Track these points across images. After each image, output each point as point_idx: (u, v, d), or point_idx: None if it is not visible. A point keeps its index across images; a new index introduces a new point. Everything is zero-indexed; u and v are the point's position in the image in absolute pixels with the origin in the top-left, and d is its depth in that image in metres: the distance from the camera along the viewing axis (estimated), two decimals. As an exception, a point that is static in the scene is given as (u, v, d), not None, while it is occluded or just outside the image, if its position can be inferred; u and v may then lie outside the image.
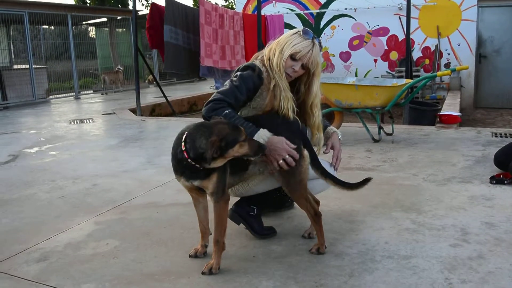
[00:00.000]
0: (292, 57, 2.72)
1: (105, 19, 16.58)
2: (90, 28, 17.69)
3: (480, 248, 2.80)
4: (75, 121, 8.74)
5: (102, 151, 5.91)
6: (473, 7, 12.37)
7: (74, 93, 13.71)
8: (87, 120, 8.77)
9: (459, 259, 2.65)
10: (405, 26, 8.64)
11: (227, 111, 2.59)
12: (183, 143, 2.44)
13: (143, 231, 3.22)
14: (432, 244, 2.84)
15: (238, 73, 2.77)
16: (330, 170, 2.85)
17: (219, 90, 2.72)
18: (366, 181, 2.76)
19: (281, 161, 2.56)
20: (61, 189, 4.25)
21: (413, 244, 2.84)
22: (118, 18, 16.81)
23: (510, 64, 12.51)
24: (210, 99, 2.67)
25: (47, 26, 15.30)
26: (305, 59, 2.73)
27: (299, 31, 2.77)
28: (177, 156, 2.50)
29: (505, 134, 6.04)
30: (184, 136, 2.46)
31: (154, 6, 8.65)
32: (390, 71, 13.08)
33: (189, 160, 2.43)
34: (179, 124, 7.78)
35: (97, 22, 17.07)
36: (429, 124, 7.37)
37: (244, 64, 2.84)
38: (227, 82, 2.74)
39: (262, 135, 2.58)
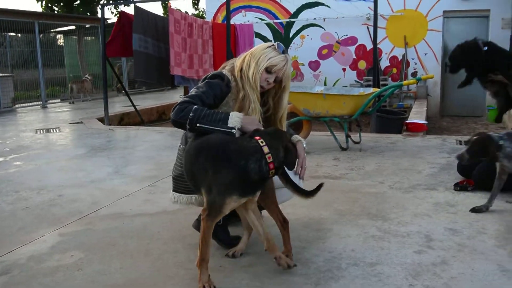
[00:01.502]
0: (268, 70, 2.75)
1: (73, 27, 16.39)
2: (58, 36, 17.45)
3: (443, 254, 2.85)
4: (42, 130, 8.58)
5: (69, 161, 5.82)
6: (439, 17, 12.65)
7: (41, 102, 13.47)
8: (54, 130, 8.63)
9: (423, 265, 2.69)
10: (373, 36, 8.76)
11: (195, 106, 2.58)
12: (269, 155, 2.40)
13: (109, 242, 3.18)
14: (397, 251, 2.88)
15: (206, 80, 2.77)
16: (295, 178, 2.86)
17: (186, 95, 2.71)
18: (320, 186, 2.72)
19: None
20: (26, 200, 4.17)
21: (378, 251, 2.87)
22: (87, 26, 16.62)
23: (475, 73, 12.79)
24: (176, 104, 2.66)
25: (14, 34, 15.03)
26: (280, 73, 2.77)
27: (273, 44, 2.81)
28: (258, 170, 2.39)
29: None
30: (263, 147, 2.41)
31: (123, 15, 8.59)
32: (358, 80, 13.25)
33: (271, 171, 2.41)
34: (148, 133, 7.74)
35: (65, 30, 16.86)
36: (396, 132, 7.48)
37: (212, 72, 2.84)
38: (193, 89, 2.73)
39: (235, 116, 2.60)
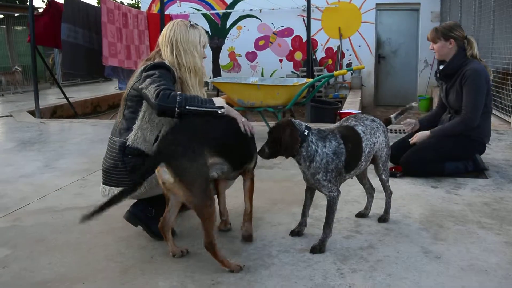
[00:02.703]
0: (204, 47, 2.96)
1: (1, 16, 15.70)
2: (-15, 25, 16.68)
3: (371, 238, 2.95)
4: (-32, 124, 8.22)
5: (-4, 156, 5.61)
6: (372, 10, 13.00)
7: (-33, 95, 12.90)
8: (-19, 124, 8.28)
9: (351, 250, 2.78)
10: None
11: (177, 92, 2.64)
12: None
13: (37, 238, 3.09)
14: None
15: (154, 71, 2.74)
16: None
17: (155, 84, 2.64)
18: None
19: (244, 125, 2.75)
20: None
21: (309, 238, 2.94)
22: (16, 15, 15.97)
23: (406, 64, 13.26)
24: (155, 91, 2.59)
25: None
26: (206, 44, 2.98)
27: (187, 23, 2.91)
28: None
29: (399, 130, 6.37)
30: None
31: (53, 4, 8.32)
32: (295, 71, 13.42)
33: None
34: (81, 126, 7.55)
35: (-8, 19, 16.13)
36: (330, 122, 7.63)
37: (155, 62, 2.81)
38: (148, 81, 2.68)
39: (218, 99, 2.72)
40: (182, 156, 2.40)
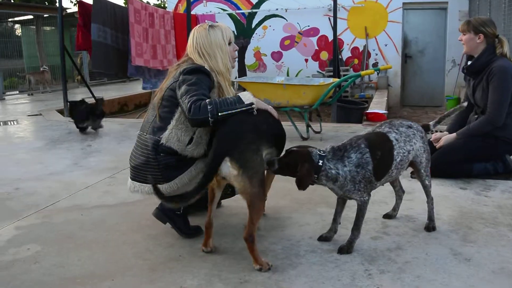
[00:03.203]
0: (229, 43, 2.97)
1: (31, 17, 15.98)
2: (16, 26, 17.00)
3: (399, 239, 2.92)
4: (-1, 123, 8.40)
5: (27, 154, 5.70)
6: (398, 9, 12.87)
7: (-2, 94, 13.15)
8: (12, 122, 8.43)
9: (378, 251, 2.76)
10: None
11: (207, 100, 2.61)
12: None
13: (67, 234, 3.14)
14: (354, 238, 2.93)
15: (192, 76, 2.76)
16: None
17: (188, 95, 2.66)
18: None
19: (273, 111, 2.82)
20: (-19, 194, 4.08)
21: (336, 238, 2.92)
22: (45, 16, 16.24)
23: (433, 64, 13.09)
24: (188, 104, 2.61)
25: (-32, 23, 14.62)
26: (232, 37, 3.01)
27: (206, 26, 2.94)
28: None
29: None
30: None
31: (81, 4, 8.43)
32: (320, 71, 13.37)
33: None
34: (108, 125, 7.63)
35: (23, 20, 16.42)
36: (357, 122, 7.59)
37: (193, 66, 2.82)
38: (184, 88, 2.70)
39: (245, 94, 2.72)
40: (246, 149, 2.52)
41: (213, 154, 2.55)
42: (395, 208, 3.28)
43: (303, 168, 2.58)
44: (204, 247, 2.78)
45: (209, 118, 2.57)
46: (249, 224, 2.51)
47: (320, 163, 2.61)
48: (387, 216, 3.27)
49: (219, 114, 2.57)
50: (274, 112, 2.85)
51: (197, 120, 2.59)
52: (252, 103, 2.65)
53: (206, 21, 3.04)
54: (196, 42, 2.90)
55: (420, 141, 2.94)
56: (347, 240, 2.76)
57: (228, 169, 2.50)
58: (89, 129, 7.10)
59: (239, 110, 2.62)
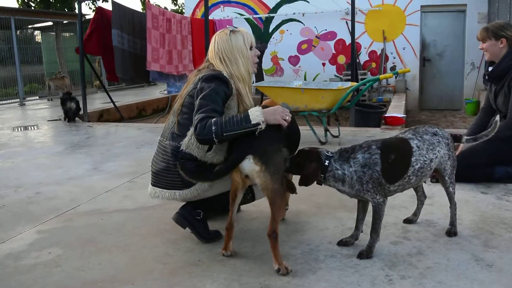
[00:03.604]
0: (251, 48, 2.97)
1: (51, 23, 16.18)
2: (35, 32, 17.21)
3: (419, 244, 2.89)
4: (19, 128, 8.49)
5: (47, 158, 5.77)
6: (416, 12, 12.80)
7: (18, 99, 13.31)
8: (32, 127, 8.55)
9: (399, 256, 2.73)
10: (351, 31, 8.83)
11: (213, 120, 2.61)
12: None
13: (88, 238, 3.17)
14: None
15: (209, 84, 2.76)
16: None
17: (200, 110, 2.68)
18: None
19: (287, 118, 2.73)
20: (2, 198, 4.13)
21: (356, 243, 2.90)
22: (65, 22, 16.44)
23: (452, 67, 12.97)
24: (195, 122, 2.64)
25: (-11, 30, 14.83)
26: (254, 42, 3.02)
27: (227, 31, 2.94)
28: None
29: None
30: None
31: (99, 10, 8.53)
32: (338, 75, 13.33)
33: None
34: (127, 130, 7.70)
35: (42, 26, 16.63)
36: (375, 126, 7.55)
37: (212, 73, 2.82)
38: (198, 102, 2.71)
39: (255, 111, 2.65)
40: (269, 147, 2.61)
41: (237, 150, 2.63)
42: (416, 213, 3.24)
43: (310, 167, 2.63)
44: (224, 251, 2.79)
45: (214, 139, 2.59)
46: (272, 221, 2.54)
47: (326, 163, 2.64)
48: (408, 221, 3.24)
49: (224, 134, 2.58)
50: (285, 124, 2.76)
51: (202, 139, 2.64)
52: (258, 123, 2.60)
53: (227, 26, 3.04)
54: (217, 47, 2.91)
55: (445, 148, 2.88)
56: (366, 245, 2.74)
57: (251, 165, 2.55)
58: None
59: (245, 130, 2.60)
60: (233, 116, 2.65)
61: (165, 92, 14.98)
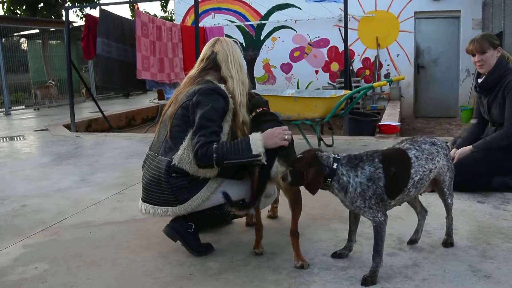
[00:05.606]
0: None
1: (37, 31, 16.06)
2: (21, 40, 17.07)
3: (415, 256, 2.82)
4: (5, 138, 8.37)
5: (33, 170, 5.66)
6: (410, 18, 12.79)
7: (4, 109, 13.11)
8: (18, 138, 8.41)
9: (395, 268, 2.67)
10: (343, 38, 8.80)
11: (214, 146, 2.61)
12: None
13: (75, 252, 3.07)
14: (369, 254, 2.80)
15: (207, 99, 2.72)
16: None
17: (197, 133, 2.66)
18: None
19: (286, 137, 2.72)
20: (-12, 211, 4.02)
21: (350, 255, 2.83)
22: (51, 29, 16.32)
23: (447, 74, 12.97)
24: (195, 146, 2.63)
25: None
26: None
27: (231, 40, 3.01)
28: None
29: (441, 142, 6.20)
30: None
31: (88, 17, 8.45)
32: (331, 82, 13.30)
33: None
34: (116, 140, 7.60)
35: (29, 34, 16.50)
36: (369, 135, 7.49)
37: (209, 87, 2.78)
38: (197, 122, 2.69)
39: (256, 140, 2.66)
40: (291, 150, 2.79)
41: (267, 155, 2.67)
42: (418, 230, 3.04)
43: (310, 173, 2.47)
44: (256, 249, 2.87)
45: (214, 165, 2.63)
46: (294, 221, 2.69)
47: (334, 166, 2.48)
48: (412, 241, 3.03)
49: (224, 162, 2.62)
50: (286, 144, 2.73)
51: (202, 165, 2.67)
52: (259, 155, 2.61)
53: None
54: (234, 54, 2.94)
55: (444, 159, 2.79)
56: (370, 269, 2.56)
57: (276, 168, 2.66)
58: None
59: (245, 160, 2.64)
60: (235, 143, 2.65)
61: (155, 101, 14.89)
